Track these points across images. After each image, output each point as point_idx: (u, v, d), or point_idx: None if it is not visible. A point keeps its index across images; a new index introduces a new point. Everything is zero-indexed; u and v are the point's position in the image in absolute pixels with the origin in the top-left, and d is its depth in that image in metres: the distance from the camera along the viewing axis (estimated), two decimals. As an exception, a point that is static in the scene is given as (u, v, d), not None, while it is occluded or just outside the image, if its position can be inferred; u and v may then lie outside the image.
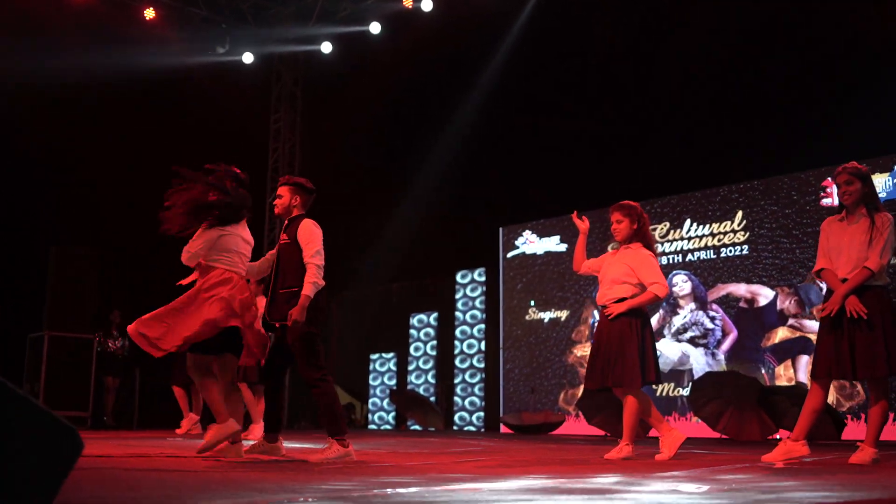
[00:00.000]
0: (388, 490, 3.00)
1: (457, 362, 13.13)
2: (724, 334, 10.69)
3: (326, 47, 14.19)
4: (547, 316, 12.10)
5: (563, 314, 11.94)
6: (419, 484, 3.29)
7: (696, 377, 10.45)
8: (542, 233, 12.42)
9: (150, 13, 13.11)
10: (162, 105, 13.27)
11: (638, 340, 5.28)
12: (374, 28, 13.42)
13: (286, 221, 5.28)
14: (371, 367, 14.34)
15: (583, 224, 5.87)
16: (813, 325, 10.01)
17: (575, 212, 6.06)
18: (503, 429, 12.21)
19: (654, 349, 5.39)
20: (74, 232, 11.81)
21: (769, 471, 4.25)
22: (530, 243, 12.55)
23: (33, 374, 10.73)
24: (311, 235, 5.09)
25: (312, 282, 4.92)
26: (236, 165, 13.47)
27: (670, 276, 10.98)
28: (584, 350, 11.64)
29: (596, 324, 10.98)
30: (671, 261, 11.19)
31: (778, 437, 9.77)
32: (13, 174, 11.55)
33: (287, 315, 4.92)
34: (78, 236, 11.59)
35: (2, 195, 11.48)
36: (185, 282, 5.39)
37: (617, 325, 5.34)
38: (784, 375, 10.32)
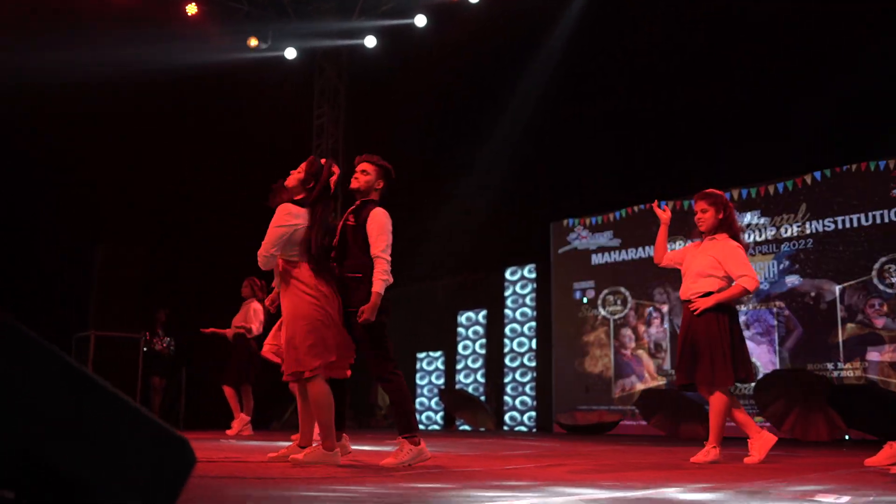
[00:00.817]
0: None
1: (507, 361, 12.81)
2: (789, 331, 10.28)
3: (370, 41, 13.94)
4: (600, 312, 11.75)
5: (618, 310, 11.57)
6: (530, 491, 2.99)
7: (760, 375, 10.05)
8: (595, 228, 12.07)
9: (192, 9, 12.95)
10: (204, 101, 13.08)
11: (727, 336, 4.93)
12: (420, 21, 13.14)
13: (357, 202, 4.97)
14: (418, 367, 14.06)
15: (664, 214, 5.54)
16: (883, 320, 9.58)
17: (656, 200, 5.73)
18: (556, 429, 11.88)
19: (744, 345, 5.04)
20: (120, 230, 11.65)
21: (890, 478, 3.90)
22: (582, 238, 12.21)
23: (80, 375, 10.56)
24: (382, 227, 4.80)
25: (384, 278, 4.65)
26: (278, 162, 13.22)
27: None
28: (641, 347, 11.28)
29: (651, 318, 10.79)
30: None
31: (847, 437, 9.35)
32: (57, 170, 11.41)
33: (354, 306, 4.66)
34: (124, 234, 11.43)
35: (48, 191, 11.34)
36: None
37: (703, 320, 5.00)
38: (853, 373, 9.89)
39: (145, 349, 11.02)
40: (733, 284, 5.03)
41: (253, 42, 13.69)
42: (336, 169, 5.06)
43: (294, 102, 14.68)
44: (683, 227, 11.08)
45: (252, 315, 9.29)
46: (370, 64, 14.29)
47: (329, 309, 4.58)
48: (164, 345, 11.41)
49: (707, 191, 5.41)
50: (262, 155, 13.80)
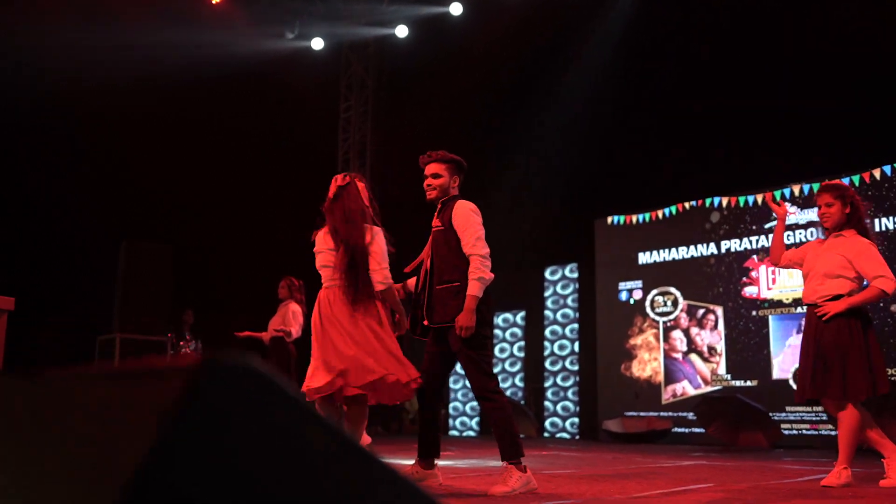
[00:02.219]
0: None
1: (547, 364, 12.23)
2: None
3: (401, 31, 13.37)
4: (649, 314, 11.15)
5: (668, 311, 10.98)
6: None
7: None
8: (641, 226, 11.48)
9: (216, -4, 12.43)
10: (230, 94, 12.56)
11: (861, 344, 4.35)
12: (455, 9, 12.57)
13: (439, 205, 4.50)
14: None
15: (780, 209, 4.95)
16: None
17: (769, 193, 5.16)
18: (602, 436, 11.30)
19: (881, 354, 4.45)
20: (145, 226, 11.12)
21: None
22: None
23: (104, 379, 10.02)
24: (468, 219, 4.31)
25: (478, 277, 4.14)
26: (304, 156, 12.61)
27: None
28: (693, 351, 10.69)
29: (704, 320, 10.13)
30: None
31: None
32: (80, 164, 10.90)
33: (450, 317, 4.19)
34: (149, 230, 10.90)
35: (69, 185, 10.82)
36: None
37: (833, 327, 4.41)
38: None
39: (171, 352, 10.46)
40: (868, 286, 4.45)
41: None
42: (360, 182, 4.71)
43: (321, 95, 14.14)
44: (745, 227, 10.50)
45: (291, 317, 8.73)
46: (400, 55, 13.74)
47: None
48: (192, 348, 10.85)
49: (831, 182, 4.81)
50: (288, 149, 13.28)
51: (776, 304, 10.10)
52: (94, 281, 10.77)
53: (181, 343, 10.77)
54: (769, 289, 10.17)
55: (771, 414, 9.41)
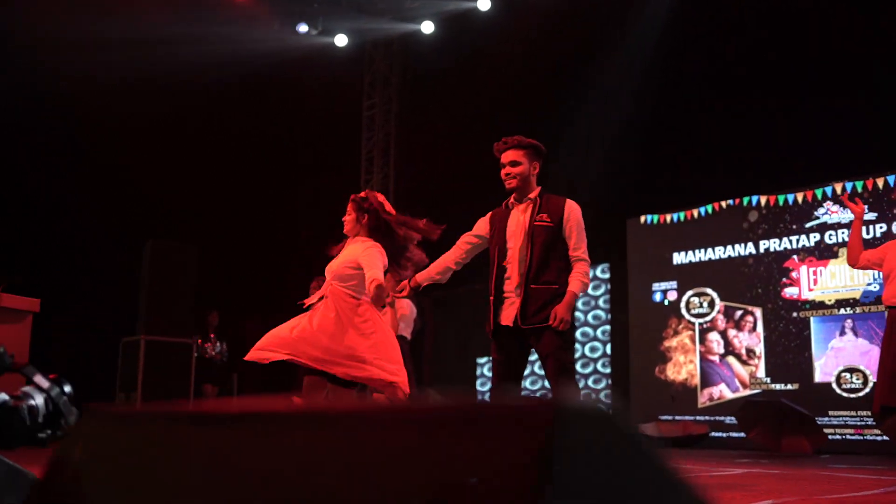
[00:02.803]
0: None
1: (579, 367, 11.95)
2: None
3: (427, 27, 13.12)
4: (684, 316, 10.87)
5: (704, 313, 10.69)
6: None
7: None
8: (677, 225, 11.20)
9: (239, -8, 12.22)
10: (253, 91, 12.36)
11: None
12: (483, 4, 12.31)
13: (539, 200, 4.23)
14: (479, 373, 13.24)
15: (858, 207, 4.69)
16: None
17: (846, 193, 4.89)
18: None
19: None
20: (170, 226, 10.91)
21: None
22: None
23: (128, 383, 9.81)
24: (581, 222, 4.14)
25: (582, 281, 3.99)
26: (328, 155, 12.36)
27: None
28: (731, 353, 10.40)
29: (742, 322, 9.77)
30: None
31: None
32: (104, 163, 10.69)
33: (545, 317, 3.97)
34: (174, 230, 10.68)
35: (93, 184, 10.61)
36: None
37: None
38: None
39: (196, 355, 10.25)
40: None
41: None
42: (381, 198, 4.91)
43: (345, 93, 13.91)
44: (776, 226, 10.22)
45: None
46: (426, 52, 13.46)
47: None
48: (217, 350, 10.64)
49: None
50: (312, 148, 13.06)
51: (818, 306, 9.80)
52: (118, 282, 10.57)
53: (206, 346, 10.56)
54: (810, 290, 9.87)
55: (815, 418, 9.12)
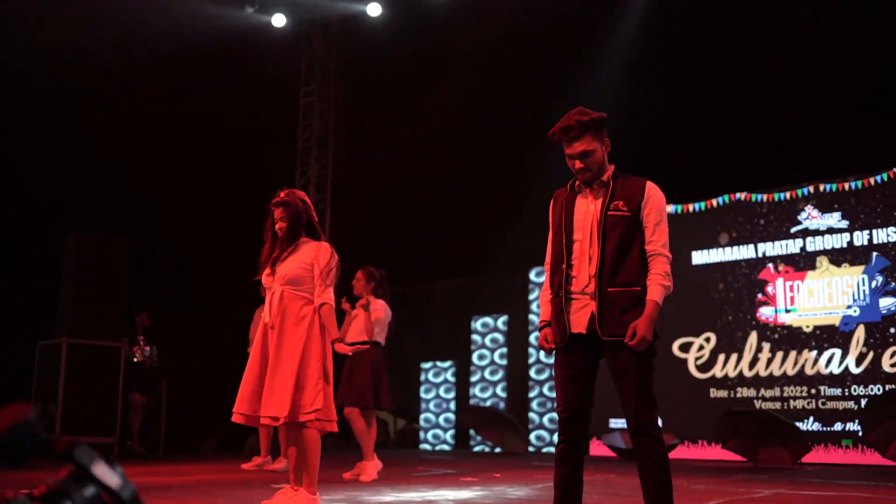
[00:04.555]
0: None
1: (532, 373, 11.32)
2: None
3: (374, 9, 12.26)
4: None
5: (671, 312, 10.19)
6: None
7: None
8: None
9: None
10: (183, 69, 11.27)
11: None
12: (437, -13, 11.55)
13: (612, 184, 3.46)
14: (423, 378, 12.46)
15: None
16: None
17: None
18: (593, 451, 10.47)
19: None
20: (95, 218, 9.77)
21: None
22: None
23: (47, 392, 8.67)
24: (663, 209, 3.37)
25: (665, 284, 3.25)
26: (264, 144, 11.34)
27: None
28: (704, 358, 9.93)
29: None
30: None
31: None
32: (22, 144, 9.49)
33: (627, 328, 3.23)
34: (100, 223, 9.56)
35: (7, 168, 9.40)
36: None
37: None
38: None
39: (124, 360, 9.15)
40: None
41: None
42: (304, 195, 4.56)
43: (283, 78, 12.93)
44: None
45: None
46: (370, 37, 12.60)
47: None
48: (146, 355, 9.57)
49: None
50: (247, 135, 12.07)
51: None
52: (35, 278, 9.38)
53: (135, 350, 9.50)
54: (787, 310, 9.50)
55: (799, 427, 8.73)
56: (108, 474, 1.06)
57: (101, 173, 10.14)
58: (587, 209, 3.44)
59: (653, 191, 3.37)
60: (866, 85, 9.29)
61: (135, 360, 9.44)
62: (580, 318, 3.36)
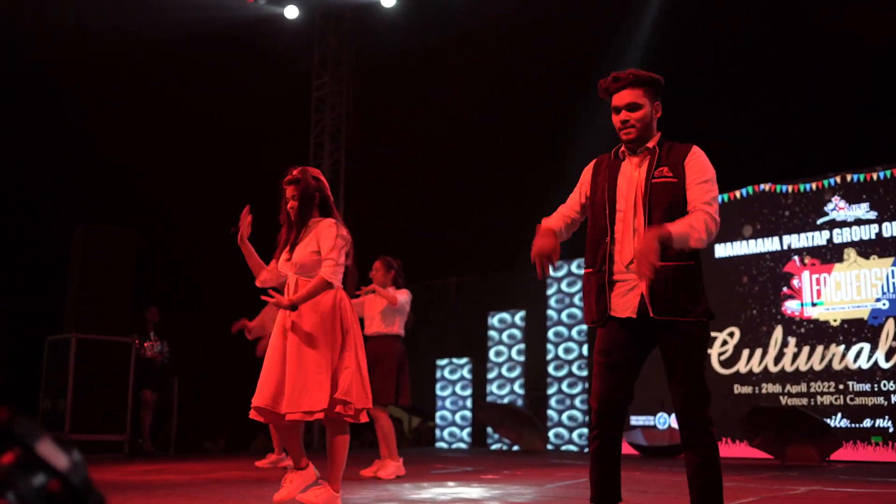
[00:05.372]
0: None
1: (550, 370, 11.07)
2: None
3: (387, 1, 12.05)
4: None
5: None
6: None
7: None
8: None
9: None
10: (197, 60, 11.11)
11: None
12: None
13: (658, 150, 3.22)
14: (438, 375, 12.23)
15: None
16: None
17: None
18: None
19: None
20: (103, 208, 9.59)
21: None
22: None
23: (55, 388, 8.50)
24: (707, 170, 3.13)
25: (693, 226, 2.96)
26: (275, 140, 11.13)
27: None
28: (727, 353, 9.66)
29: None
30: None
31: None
32: (27, 137, 9.32)
33: (681, 311, 3.03)
34: (107, 214, 9.38)
35: (13, 161, 9.23)
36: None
37: None
38: None
39: (135, 356, 8.97)
40: None
41: None
42: (317, 173, 4.32)
43: (295, 71, 12.73)
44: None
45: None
46: (384, 30, 12.40)
47: None
48: (157, 351, 9.38)
49: None
50: (259, 128, 11.88)
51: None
52: (43, 272, 9.20)
53: (145, 345, 9.31)
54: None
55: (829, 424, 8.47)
56: (55, 454, 0.87)
57: (109, 167, 9.96)
58: (631, 176, 3.20)
59: (696, 152, 3.14)
60: (893, 73, 9.01)
61: (145, 356, 9.26)
62: (628, 301, 3.12)
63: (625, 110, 3.18)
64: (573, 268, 11.22)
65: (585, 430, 10.72)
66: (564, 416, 10.89)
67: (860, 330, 8.85)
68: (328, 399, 3.87)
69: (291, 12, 12.31)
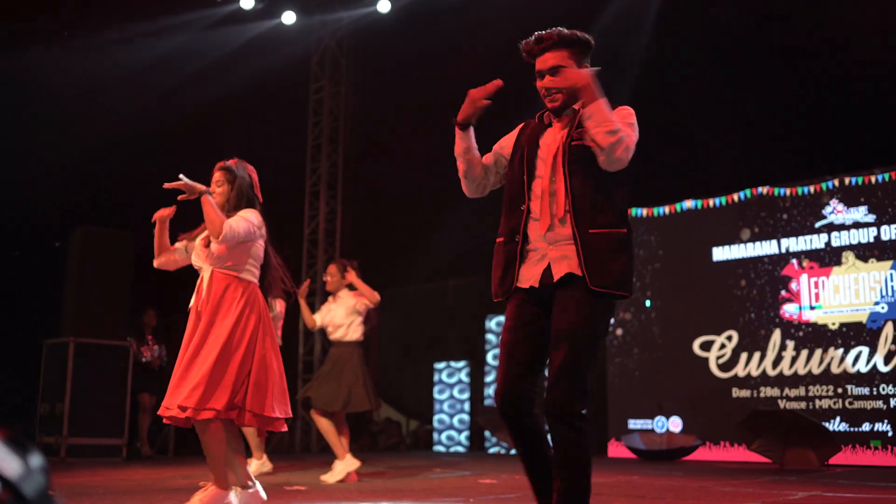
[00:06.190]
0: None
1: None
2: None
3: (384, 6, 12.04)
4: (668, 315, 10.08)
5: (692, 310, 9.93)
6: None
7: None
8: (660, 220, 10.45)
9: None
10: (194, 63, 11.10)
11: None
12: (451, -15, 11.31)
13: (563, 116, 3.08)
14: (436, 378, 12.21)
15: None
16: None
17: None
18: (611, 452, 10.23)
19: None
20: (100, 210, 9.57)
21: None
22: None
23: (53, 393, 8.48)
24: (629, 114, 2.95)
25: (613, 129, 2.82)
26: (272, 144, 11.07)
27: None
28: (725, 357, 9.65)
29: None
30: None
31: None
32: (26, 137, 9.30)
33: (613, 283, 2.83)
34: (104, 216, 9.36)
35: (10, 161, 9.20)
36: None
37: None
38: None
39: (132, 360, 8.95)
40: None
41: None
42: (251, 170, 4.26)
43: (293, 75, 12.70)
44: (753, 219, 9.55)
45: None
46: (380, 32, 12.38)
47: None
48: (155, 355, 9.36)
49: None
50: (257, 129, 11.86)
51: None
52: (40, 274, 9.18)
53: (143, 349, 9.29)
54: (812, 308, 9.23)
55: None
56: (4, 460, 0.79)
57: (107, 169, 9.95)
58: (553, 140, 3.00)
59: (622, 108, 2.96)
60: (892, 75, 9.01)
61: (143, 359, 9.24)
62: (534, 272, 2.92)
63: (548, 75, 3.01)
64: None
65: (584, 434, 10.70)
66: (562, 420, 10.86)
67: (859, 333, 8.85)
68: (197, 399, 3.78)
69: (289, 18, 12.28)
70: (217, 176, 4.13)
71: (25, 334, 8.87)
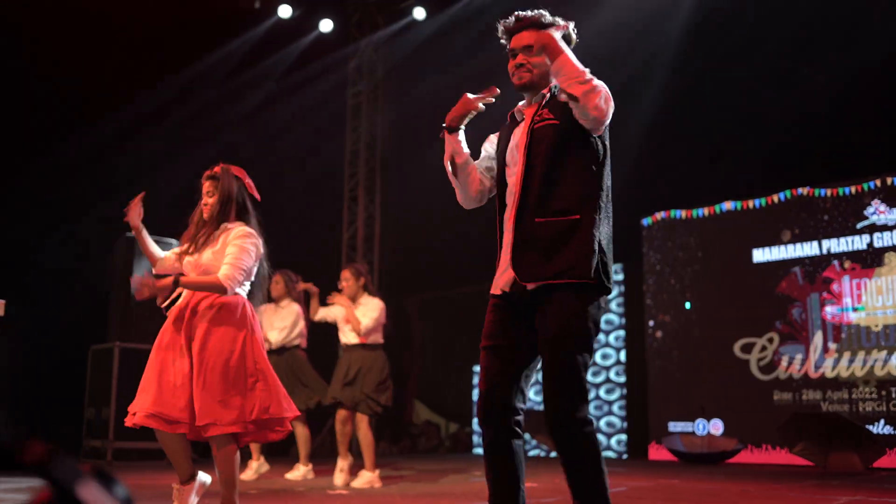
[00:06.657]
0: None
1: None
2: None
3: (419, 12, 12.12)
4: (708, 316, 10.00)
5: (732, 312, 9.84)
6: None
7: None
8: (688, 223, 10.38)
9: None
10: (232, 75, 11.28)
11: None
12: (484, -8, 11.35)
13: (547, 95, 2.94)
14: (475, 382, 12.27)
15: None
16: None
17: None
18: (652, 455, 10.19)
19: None
20: (147, 219, 9.72)
21: None
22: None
23: (99, 397, 8.64)
24: (608, 97, 2.75)
25: (587, 80, 2.70)
26: (311, 150, 11.08)
27: None
28: (767, 359, 9.57)
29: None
30: None
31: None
32: (71, 145, 9.51)
33: (559, 272, 2.66)
34: (151, 224, 9.51)
35: (57, 169, 9.40)
36: None
37: None
38: None
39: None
40: None
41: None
42: (241, 172, 4.16)
43: (330, 82, 12.82)
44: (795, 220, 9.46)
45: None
46: (418, 37, 12.45)
47: None
48: (198, 358, 9.50)
49: None
50: (294, 135, 11.99)
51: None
52: (86, 280, 9.37)
53: (186, 353, 9.42)
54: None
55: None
56: (96, 498, 0.77)
57: (152, 177, 10.12)
58: (521, 133, 2.89)
59: (604, 90, 2.76)
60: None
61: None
62: (507, 274, 2.83)
63: (521, 53, 2.89)
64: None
65: (624, 437, 10.69)
66: (602, 423, 10.85)
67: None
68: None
69: (326, 25, 12.38)
70: (207, 186, 4.05)
71: (72, 340, 9.06)
